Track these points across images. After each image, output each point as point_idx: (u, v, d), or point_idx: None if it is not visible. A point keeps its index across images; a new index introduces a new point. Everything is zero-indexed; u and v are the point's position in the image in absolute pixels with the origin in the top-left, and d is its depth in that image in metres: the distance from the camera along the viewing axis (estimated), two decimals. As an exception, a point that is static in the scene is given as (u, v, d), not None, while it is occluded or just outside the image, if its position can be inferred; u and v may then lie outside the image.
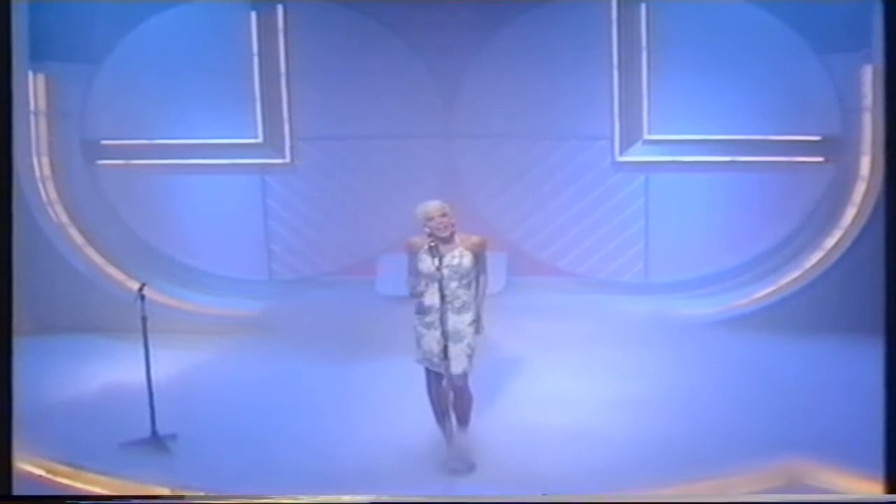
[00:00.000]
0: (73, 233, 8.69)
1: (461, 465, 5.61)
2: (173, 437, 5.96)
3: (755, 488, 5.25)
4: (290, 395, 6.79)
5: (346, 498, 5.11)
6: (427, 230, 5.52)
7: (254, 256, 9.13)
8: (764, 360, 7.36)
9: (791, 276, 8.39)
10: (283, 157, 8.99)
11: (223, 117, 8.80)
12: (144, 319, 5.97)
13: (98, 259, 8.69)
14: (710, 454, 5.64)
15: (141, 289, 6.02)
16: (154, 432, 5.93)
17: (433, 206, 5.55)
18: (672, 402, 6.53)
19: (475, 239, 5.62)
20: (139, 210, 8.99)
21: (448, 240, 5.54)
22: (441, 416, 5.73)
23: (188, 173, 8.92)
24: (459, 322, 5.55)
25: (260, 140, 8.95)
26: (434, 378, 5.66)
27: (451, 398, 5.63)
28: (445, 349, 5.45)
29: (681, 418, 6.24)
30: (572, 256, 8.94)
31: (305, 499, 5.09)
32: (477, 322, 5.61)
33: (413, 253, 5.59)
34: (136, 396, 6.08)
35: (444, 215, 5.51)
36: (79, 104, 8.76)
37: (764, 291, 8.46)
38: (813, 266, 8.30)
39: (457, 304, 5.53)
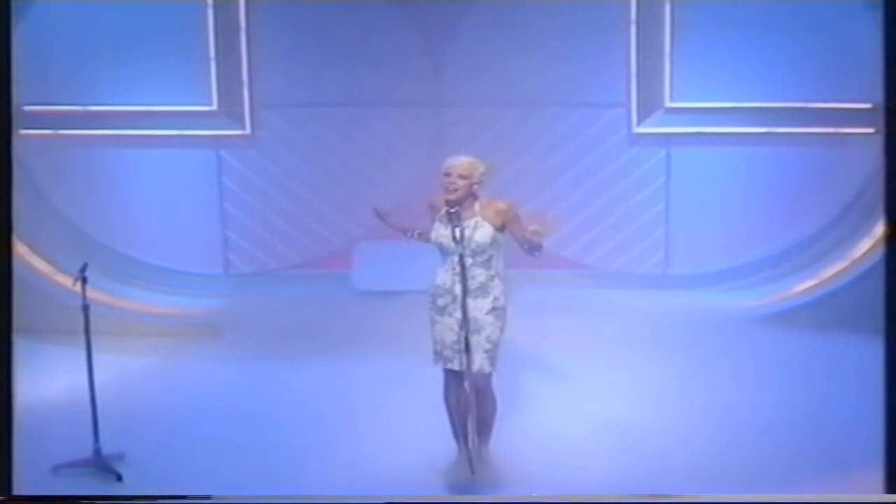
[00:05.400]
0: (-10, 216, 8.51)
1: (481, 482, 5.39)
2: (120, 456, 5.78)
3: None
4: (249, 405, 6.65)
5: (344, 498, 5.23)
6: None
7: (207, 246, 9.02)
8: (806, 364, 7.28)
9: (837, 268, 8.36)
10: (242, 127, 8.89)
11: (171, 80, 8.66)
12: (86, 308, 5.72)
13: (20, 248, 8.21)
14: (743, 463, 5.65)
15: (83, 270, 5.76)
16: (97, 451, 5.73)
17: (459, 161, 5.35)
18: (695, 411, 6.48)
19: (499, 206, 5.36)
20: (70, 190, 8.75)
21: (465, 205, 5.31)
22: (459, 427, 5.50)
23: (129, 146, 8.77)
24: (475, 308, 5.34)
25: (214, 107, 8.83)
26: (453, 380, 5.43)
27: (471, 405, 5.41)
28: (466, 340, 5.20)
29: (706, 428, 6.22)
30: (580, 244, 8.83)
31: (305, 499, 5.19)
32: (500, 311, 5.41)
33: (431, 217, 5.42)
34: (71, 409, 5.90)
35: (464, 176, 5.28)
36: (-4, 62, 8.59)
37: (805, 285, 8.42)
38: (862, 255, 8.25)
39: (472, 285, 5.33)
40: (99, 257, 8.48)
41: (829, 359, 7.36)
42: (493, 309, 5.40)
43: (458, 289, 5.26)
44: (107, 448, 5.76)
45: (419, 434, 5.88)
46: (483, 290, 5.36)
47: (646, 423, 6.31)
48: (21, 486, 5.33)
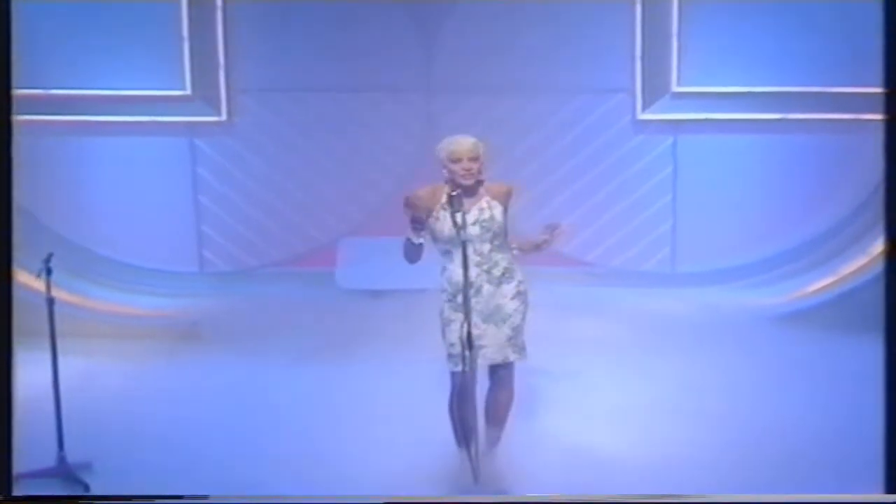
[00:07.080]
0: (-57, 207, 8.32)
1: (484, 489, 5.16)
2: (87, 465, 5.61)
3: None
4: (228, 410, 6.52)
5: (345, 498, 5.20)
6: (447, 175, 5.10)
7: (180, 242, 8.96)
8: (819, 365, 7.16)
9: (855, 264, 8.30)
10: (218, 113, 8.83)
11: (140, 62, 8.58)
12: (51, 302, 5.54)
13: (-22, 245, 8.29)
14: (750, 464, 5.60)
15: (47, 261, 5.61)
16: (62, 459, 5.58)
17: (464, 144, 5.13)
18: (702, 413, 6.36)
19: (503, 188, 5.23)
20: (31, 180, 7.99)
21: (471, 190, 5.13)
22: (464, 436, 5.23)
23: (95, 133, 8.67)
24: (500, 296, 5.17)
25: (188, 92, 8.77)
26: (460, 387, 5.14)
27: (478, 410, 5.20)
28: (469, 336, 4.94)
29: (714, 429, 6.12)
30: (581, 240, 8.70)
31: (307, 499, 5.19)
32: (523, 295, 5.20)
33: (420, 210, 5.12)
34: (34, 414, 5.54)
35: (474, 159, 5.09)
36: (-46, 45, 8.40)
37: (821, 283, 8.39)
38: (882, 251, 8.02)
39: (496, 271, 5.16)
40: (64, 254, 8.06)
41: (845, 360, 7.17)
42: (518, 293, 5.26)
43: (482, 278, 5.14)
44: (76, 455, 5.62)
45: (413, 438, 5.77)
46: (508, 275, 5.23)
47: (651, 424, 6.24)
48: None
